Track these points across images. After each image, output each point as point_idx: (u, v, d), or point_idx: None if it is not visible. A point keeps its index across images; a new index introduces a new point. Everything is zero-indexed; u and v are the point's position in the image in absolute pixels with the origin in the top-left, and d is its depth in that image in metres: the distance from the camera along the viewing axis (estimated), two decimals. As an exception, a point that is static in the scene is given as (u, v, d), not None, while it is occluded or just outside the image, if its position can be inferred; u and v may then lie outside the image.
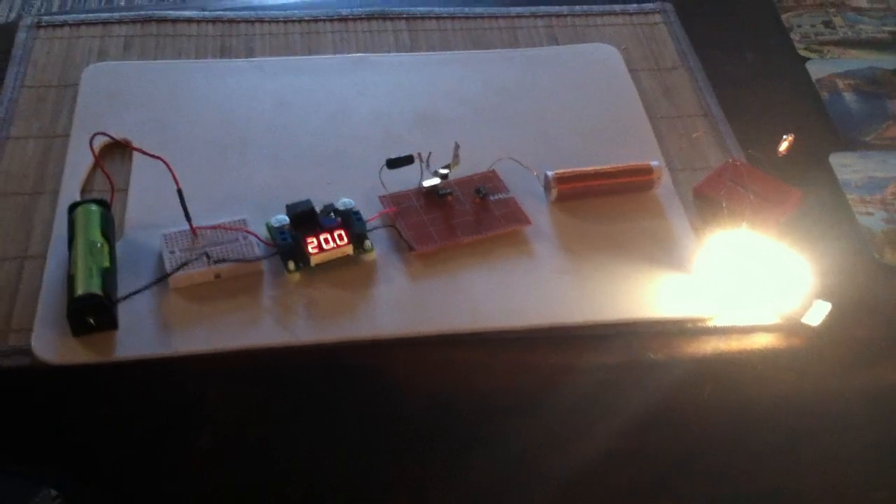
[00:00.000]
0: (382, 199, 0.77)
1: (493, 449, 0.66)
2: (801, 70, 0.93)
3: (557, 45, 0.94)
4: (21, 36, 0.90)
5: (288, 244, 0.72)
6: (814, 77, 0.92)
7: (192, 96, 0.86)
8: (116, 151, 0.80)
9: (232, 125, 0.83)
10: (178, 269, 0.69)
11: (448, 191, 0.77)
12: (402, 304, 0.71)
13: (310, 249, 0.71)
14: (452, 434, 0.66)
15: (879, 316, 0.72)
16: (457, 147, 0.76)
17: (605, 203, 0.78)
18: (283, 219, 0.73)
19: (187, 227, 0.72)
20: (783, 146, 0.76)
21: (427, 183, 0.77)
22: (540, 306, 0.71)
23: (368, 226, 0.74)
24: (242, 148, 0.81)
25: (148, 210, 0.76)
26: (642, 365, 0.69)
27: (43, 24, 0.91)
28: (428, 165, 0.76)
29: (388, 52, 0.92)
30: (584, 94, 0.88)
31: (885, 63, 0.94)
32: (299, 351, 0.67)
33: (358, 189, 0.77)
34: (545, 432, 0.66)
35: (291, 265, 0.71)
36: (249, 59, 0.90)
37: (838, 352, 0.70)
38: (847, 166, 0.83)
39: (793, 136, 0.76)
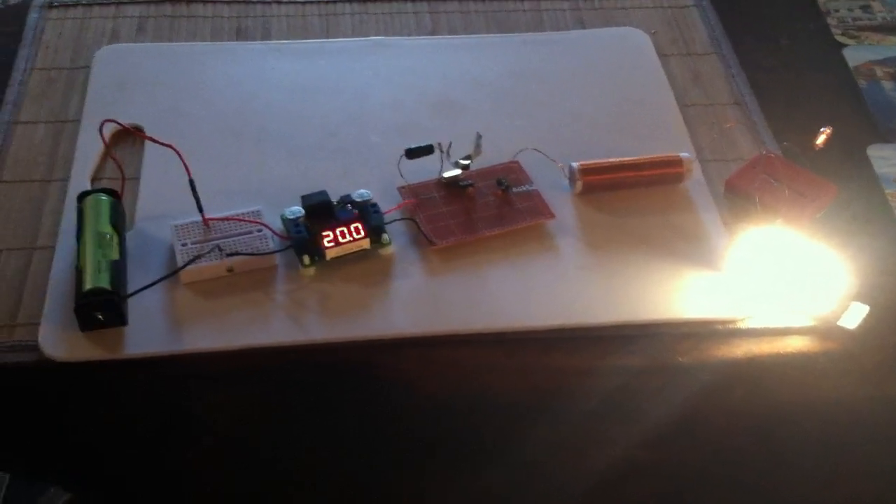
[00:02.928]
0: (401, 190, 0.74)
1: (505, 455, 0.63)
2: (837, 57, 0.89)
3: (584, 28, 0.90)
4: (32, 17, 0.88)
5: (303, 237, 0.69)
6: (851, 64, 0.88)
7: (206, 80, 0.83)
8: (128, 138, 0.78)
9: (247, 111, 0.81)
10: (189, 262, 0.67)
11: (469, 182, 0.74)
12: (419, 301, 0.68)
13: (325, 243, 0.68)
14: (462, 438, 0.64)
15: (920, 319, 0.68)
16: (479, 137, 0.73)
17: (632, 196, 0.75)
18: (297, 210, 0.70)
19: (199, 218, 0.69)
20: (820, 139, 0.73)
21: (447, 174, 0.74)
22: (562, 305, 0.68)
23: (386, 218, 0.71)
24: (257, 135, 0.79)
25: (160, 200, 0.73)
26: (669, 369, 0.66)
27: (55, 4, 0.89)
28: (448, 155, 0.73)
29: (409, 34, 0.89)
30: (612, 81, 0.85)
31: (927, 50, 0.90)
32: (311, 349, 0.65)
33: (375, 179, 0.75)
34: (562, 439, 0.64)
35: (307, 259, 0.68)
36: (266, 41, 0.88)
37: (876, 357, 0.67)
38: (885, 159, 0.80)
39: (830, 128, 0.72)
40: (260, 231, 0.69)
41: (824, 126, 0.72)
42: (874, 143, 0.81)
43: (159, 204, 0.73)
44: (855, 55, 0.89)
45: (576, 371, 0.67)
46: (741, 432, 0.65)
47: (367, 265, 0.70)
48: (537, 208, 0.73)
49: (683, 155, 0.75)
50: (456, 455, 0.64)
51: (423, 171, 0.75)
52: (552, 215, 0.73)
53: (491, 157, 0.76)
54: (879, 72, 0.87)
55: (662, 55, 0.88)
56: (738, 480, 0.63)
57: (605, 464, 0.64)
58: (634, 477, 0.64)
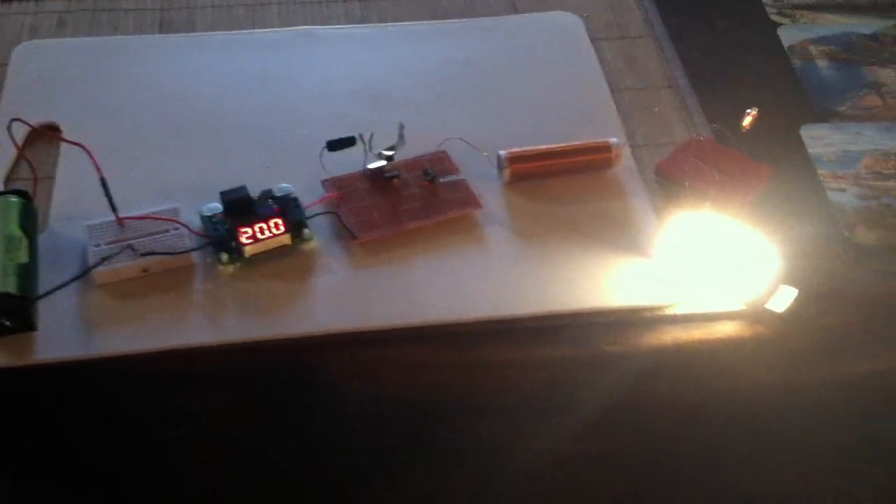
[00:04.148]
0: (325, 183, 0.72)
1: (437, 454, 0.62)
2: (772, 37, 0.88)
3: (517, 13, 0.89)
4: (-53, 13, 0.85)
5: (221, 235, 0.67)
6: (786, 44, 0.87)
7: (129, 75, 0.81)
8: (45, 137, 0.75)
9: (170, 105, 0.79)
10: (98, 263, 0.65)
11: (394, 174, 0.72)
12: (343, 297, 0.66)
13: (244, 240, 0.66)
14: (394, 439, 0.62)
15: (849, 301, 0.68)
16: (401, 127, 0.72)
17: (562, 184, 0.74)
18: (215, 207, 0.69)
19: (114, 217, 0.67)
20: (747, 120, 0.72)
21: (371, 165, 0.72)
22: (490, 297, 0.67)
23: (309, 213, 0.70)
24: (180, 130, 0.77)
25: (76, 199, 0.71)
26: (597, 358, 0.65)
27: (-29, 0, 0.86)
28: (371, 147, 0.72)
29: (338, 23, 0.87)
30: (544, 67, 0.83)
31: (862, 28, 0.89)
32: (231, 350, 0.63)
33: (301, 173, 0.73)
34: (493, 433, 0.62)
35: (224, 257, 0.67)
36: (190, 33, 0.85)
37: (806, 340, 0.66)
38: (819, 139, 0.79)
39: (757, 109, 0.71)
40: (177, 229, 0.68)
41: (751, 108, 0.71)
42: (808, 124, 0.80)
43: (75, 203, 0.71)
44: (790, 34, 0.88)
45: (506, 364, 0.65)
46: (670, 420, 0.64)
47: (289, 262, 0.68)
48: (465, 198, 0.72)
49: (612, 141, 0.74)
50: (388, 456, 0.62)
51: (349, 163, 0.73)
52: (480, 205, 0.72)
53: (420, 146, 0.74)
54: (814, 51, 0.86)
55: (596, 39, 0.86)
56: (668, 468, 0.61)
57: (536, 456, 0.63)
58: (565, 468, 0.62)
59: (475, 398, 0.64)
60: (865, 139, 0.79)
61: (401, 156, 0.73)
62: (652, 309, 0.67)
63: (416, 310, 0.66)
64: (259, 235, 0.67)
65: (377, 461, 0.62)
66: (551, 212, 0.72)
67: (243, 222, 0.67)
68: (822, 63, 0.85)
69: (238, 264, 0.67)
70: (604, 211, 0.72)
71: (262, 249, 0.67)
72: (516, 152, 0.73)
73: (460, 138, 0.74)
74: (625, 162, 0.75)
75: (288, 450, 0.62)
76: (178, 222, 0.68)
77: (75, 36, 0.85)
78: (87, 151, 0.66)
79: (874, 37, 0.88)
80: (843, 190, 0.75)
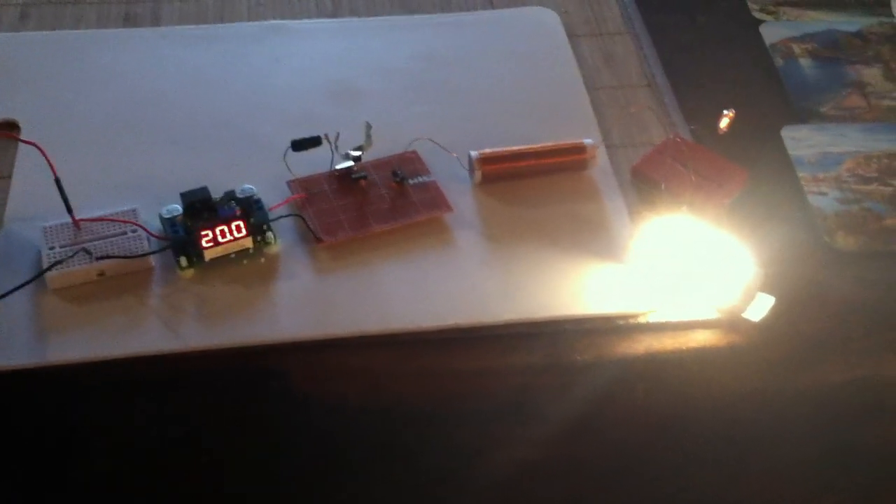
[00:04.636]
0: (291, 184, 0.70)
1: (404, 463, 0.60)
2: (755, 34, 0.86)
3: (493, 8, 0.86)
4: None
5: (180, 237, 0.65)
6: (767, 42, 0.85)
7: (92, 70, 0.79)
8: (1, 134, 0.73)
9: (134, 102, 0.76)
10: (51, 266, 0.62)
11: (362, 174, 0.70)
12: (306, 303, 0.64)
13: (204, 243, 0.64)
14: (360, 450, 0.60)
15: (828, 309, 0.66)
16: (368, 127, 0.70)
17: (535, 185, 0.72)
18: (175, 209, 0.66)
19: (70, 219, 0.65)
20: (723, 122, 0.70)
21: (339, 166, 0.70)
22: (459, 304, 0.65)
23: (273, 214, 0.68)
24: (143, 128, 0.74)
25: (33, 199, 0.69)
26: (568, 367, 0.63)
27: (-71, -9, 0.84)
28: (337, 147, 0.69)
29: (308, 17, 0.85)
30: (519, 64, 0.81)
31: (846, 25, 0.87)
32: (188, 357, 0.61)
33: (265, 173, 0.71)
34: (462, 443, 0.61)
35: (183, 261, 0.65)
36: (155, 27, 0.83)
37: (782, 350, 0.64)
38: (800, 140, 0.77)
39: (734, 111, 0.69)
40: (135, 231, 0.65)
41: (728, 109, 0.69)
42: (789, 124, 0.78)
43: (32, 204, 0.68)
44: (772, 32, 0.86)
45: (474, 373, 0.64)
46: (644, 430, 0.62)
47: (251, 266, 0.66)
48: (434, 201, 0.70)
49: (587, 141, 0.72)
50: (354, 467, 0.60)
51: (316, 163, 0.71)
52: (450, 208, 0.69)
53: (391, 146, 0.72)
54: (797, 49, 0.84)
55: (573, 35, 0.84)
56: (642, 480, 0.60)
57: (507, 466, 0.61)
58: (536, 479, 0.60)
59: (443, 407, 0.63)
60: (848, 141, 0.77)
61: (370, 156, 0.71)
62: (625, 317, 0.65)
63: (383, 317, 0.64)
64: (220, 238, 0.65)
65: (342, 472, 0.60)
66: (523, 214, 0.70)
67: (204, 224, 0.64)
68: (804, 61, 0.83)
69: (197, 268, 0.65)
70: (577, 214, 0.70)
71: (222, 253, 0.65)
72: (488, 153, 0.71)
73: (429, 139, 0.71)
74: (600, 163, 0.73)
75: (249, 462, 0.60)
76: (136, 224, 0.66)
77: (39, 29, 0.82)
78: (41, 150, 0.63)
79: (859, 34, 0.86)
80: (824, 193, 0.73)
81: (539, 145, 0.72)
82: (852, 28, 0.86)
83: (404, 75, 0.80)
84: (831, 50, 0.84)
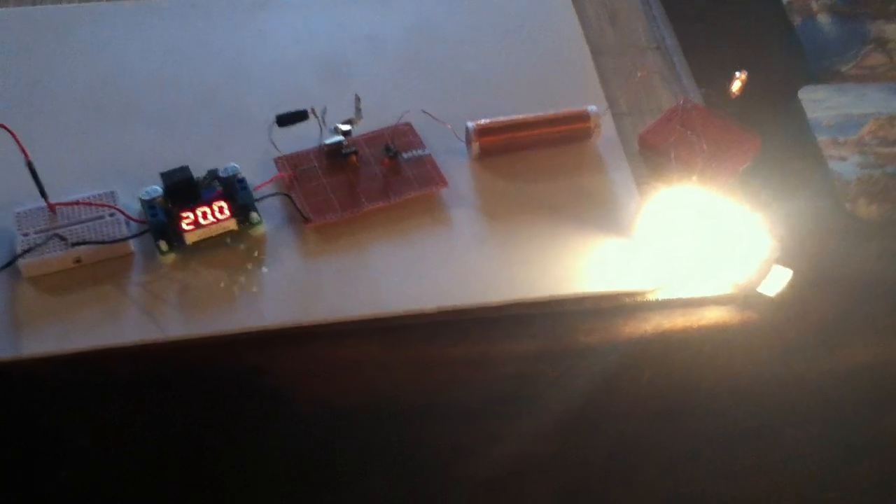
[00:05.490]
0: (277, 161, 0.67)
1: (394, 457, 0.57)
2: (770, -10, 0.81)
3: (491, -30, 0.82)
4: None
5: (160, 221, 0.62)
6: (784, -1, 0.80)
7: (71, 47, 0.75)
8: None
9: (114, 79, 0.73)
10: (24, 253, 0.59)
11: (352, 150, 0.67)
12: (294, 288, 0.61)
13: (185, 226, 0.61)
14: (344, 442, 0.57)
15: (850, 284, 0.62)
16: (358, 100, 0.66)
17: (536, 158, 0.68)
18: (155, 190, 0.63)
19: (44, 203, 0.62)
20: (735, 85, 0.66)
21: (328, 141, 0.67)
22: (455, 286, 0.61)
23: (259, 194, 0.64)
24: (123, 106, 0.71)
25: (6, 184, 0.65)
26: (571, 351, 0.59)
27: None
28: (324, 122, 0.66)
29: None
30: (518, 28, 0.77)
31: (868, -21, 0.82)
32: (169, 348, 0.58)
33: (250, 151, 0.67)
34: (456, 436, 0.57)
35: (164, 245, 0.61)
36: (139, 1, 0.79)
37: (800, 328, 0.60)
38: (819, 102, 0.72)
39: (745, 73, 0.65)
40: (112, 215, 0.62)
41: (740, 70, 0.64)
42: (807, 86, 0.73)
43: (6, 189, 0.65)
44: (788, -12, 0.81)
45: (473, 359, 0.60)
46: (651, 418, 0.58)
47: (235, 249, 0.63)
48: (429, 176, 0.66)
49: (591, 109, 0.68)
50: (343, 462, 0.57)
51: (304, 139, 0.67)
52: (445, 183, 0.66)
53: (383, 119, 0.69)
54: (815, 5, 0.79)
55: (576, -4, 0.80)
56: (647, 473, 0.56)
57: (504, 460, 0.57)
58: (535, 473, 0.57)
59: (438, 397, 0.59)
60: (869, 101, 0.72)
61: (360, 130, 0.68)
62: (632, 295, 0.61)
63: (375, 300, 0.61)
64: (202, 221, 0.61)
65: (330, 468, 0.57)
66: (524, 189, 0.67)
67: (185, 206, 0.61)
68: (823, 19, 0.78)
69: (179, 253, 0.62)
70: (581, 187, 0.67)
71: (205, 236, 0.62)
72: (486, 124, 0.67)
73: (423, 110, 0.67)
74: (605, 132, 0.69)
75: (234, 456, 0.57)
76: (114, 208, 0.62)
77: (17, 6, 0.78)
78: (11, 133, 0.60)
79: (881, -12, 0.81)
80: (844, 158, 0.68)
81: (540, 114, 0.68)
82: (874, -19, 0.81)
83: (396, 45, 0.76)
84: (851, 6, 0.79)
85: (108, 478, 0.55)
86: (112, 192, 0.63)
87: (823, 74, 0.74)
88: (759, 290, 0.60)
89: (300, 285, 0.61)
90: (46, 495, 0.55)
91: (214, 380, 0.59)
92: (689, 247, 0.62)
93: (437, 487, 0.57)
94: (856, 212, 0.65)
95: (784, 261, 0.60)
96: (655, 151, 0.67)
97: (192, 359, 0.59)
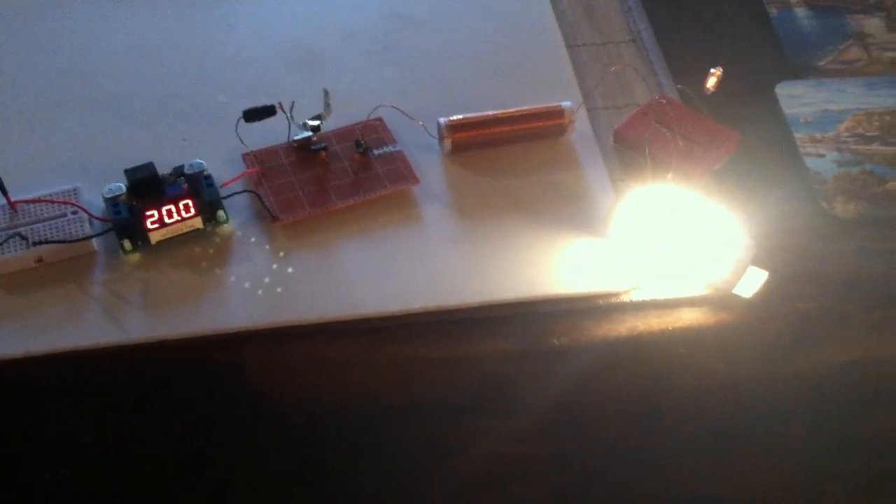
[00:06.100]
0: (245, 157, 0.65)
1: (369, 461, 0.56)
2: (747, -18, 0.80)
3: (465, -40, 0.80)
4: None
5: (124, 219, 0.60)
6: (761, -9, 0.79)
7: (33, 39, 0.74)
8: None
9: (77, 72, 0.71)
10: (-23, 256, 0.58)
11: (322, 145, 0.65)
12: (262, 288, 0.60)
13: (149, 224, 0.59)
14: (320, 446, 0.55)
15: (827, 283, 0.61)
16: (326, 94, 0.64)
17: (509, 154, 0.67)
18: (118, 188, 0.61)
19: (4, 201, 0.60)
20: (711, 81, 0.65)
21: (298, 137, 0.65)
22: (428, 286, 0.60)
23: (225, 191, 0.63)
24: (85, 100, 0.70)
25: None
26: (545, 352, 0.58)
27: None
28: (292, 117, 0.64)
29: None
30: (490, 20, 0.76)
31: (846, -29, 0.81)
32: (134, 350, 0.57)
33: (218, 147, 0.66)
34: (432, 437, 0.56)
35: (128, 244, 0.60)
36: (101, -10, 0.77)
37: (776, 329, 0.59)
38: (796, 98, 0.71)
39: (721, 69, 0.64)
40: (75, 213, 0.61)
41: (715, 67, 0.63)
42: (784, 81, 0.72)
43: (-34, 185, 0.63)
44: (766, -20, 0.80)
45: (445, 361, 0.59)
46: (626, 419, 0.57)
47: (201, 248, 0.61)
48: (401, 172, 0.65)
49: (566, 104, 0.67)
50: (312, 467, 0.56)
51: (272, 134, 0.66)
52: (417, 180, 0.64)
53: (353, 114, 0.67)
54: (793, -3, 0.78)
55: (551, -12, 0.78)
56: (624, 474, 0.55)
57: (480, 462, 0.56)
58: (512, 474, 0.56)
59: (411, 399, 0.58)
60: (848, 97, 0.71)
61: (330, 125, 0.66)
62: (607, 295, 0.60)
63: (346, 302, 0.59)
64: (167, 219, 0.60)
65: (300, 472, 0.55)
66: (497, 186, 0.65)
67: (149, 204, 0.60)
68: (800, 12, 0.77)
69: (143, 252, 0.60)
70: (556, 184, 0.65)
71: (169, 235, 0.60)
72: (458, 119, 0.66)
73: (395, 106, 0.66)
74: (580, 128, 0.68)
75: (201, 462, 0.55)
76: (76, 205, 0.61)
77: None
78: (-32, 129, 0.58)
79: (859, -19, 0.80)
80: (822, 155, 0.67)
81: (514, 110, 0.67)
82: (852, -26, 0.80)
83: (367, 38, 0.74)
84: (829, -2, 0.79)
85: (68, 473, 0.54)
86: (75, 189, 0.62)
87: (801, 69, 0.73)
88: (735, 291, 0.59)
89: (269, 285, 0.60)
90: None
91: (180, 381, 0.57)
92: (664, 246, 0.61)
93: (416, 489, 0.56)
94: (833, 210, 0.64)
95: (760, 260, 0.59)
96: (630, 147, 0.66)
97: (158, 360, 0.57)
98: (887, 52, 0.74)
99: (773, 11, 0.78)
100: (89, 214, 0.61)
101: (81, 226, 0.60)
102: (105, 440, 0.55)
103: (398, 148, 0.66)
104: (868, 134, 0.69)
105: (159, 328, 0.57)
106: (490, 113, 0.66)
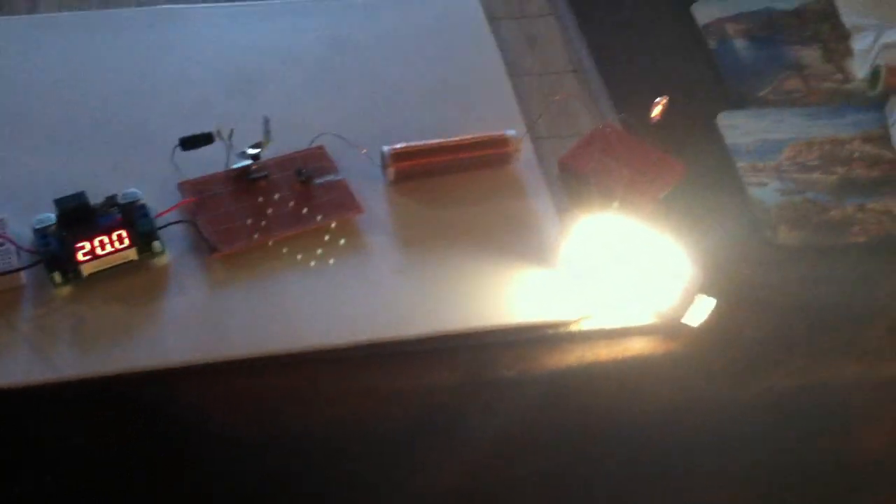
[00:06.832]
0: (182, 186, 0.63)
1: (313, 497, 0.54)
2: (686, 14, 0.80)
3: (406, -11, 0.80)
4: None
5: (53, 250, 0.58)
6: (700, 22, 0.80)
7: (-45, 63, 0.70)
8: None
9: (3, 97, 0.68)
10: None
11: (262, 174, 0.63)
12: (199, 321, 0.58)
13: (80, 256, 0.57)
14: (257, 483, 0.53)
15: (772, 311, 0.61)
16: (266, 121, 0.63)
17: (454, 183, 0.66)
18: (48, 218, 0.59)
19: (-75, 233, 0.57)
20: (656, 110, 0.65)
21: (236, 165, 0.63)
22: (371, 318, 0.59)
23: (161, 221, 0.61)
24: (13, 126, 0.67)
25: None
26: (493, 384, 0.57)
27: None
28: (232, 144, 0.62)
29: (204, 1, 0.77)
30: (435, 50, 0.75)
31: (783, 3, 0.82)
32: (63, 387, 0.54)
33: (154, 175, 0.64)
34: (374, 472, 0.54)
35: (58, 277, 0.57)
36: (32, 14, 0.75)
37: (724, 357, 0.59)
38: (737, 128, 0.72)
39: (666, 98, 0.64)
40: (2, 245, 0.58)
41: (661, 96, 0.63)
42: (725, 111, 0.73)
43: None
44: (705, 11, 0.80)
45: (388, 394, 0.58)
46: (576, 449, 0.56)
47: (135, 280, 0.59)
48: (343, 201, 0.63)
49: (510, 133, 0.66)
50: (246, 496, 0.54)
51: (210, 162, 0.64)
52: (360, 210, 0.63)
53: (294, 142, 0.66)
54: (731, 29, 0.79)
55: (493, 19, 0.78)
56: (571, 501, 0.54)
57: (429, 495, 0.55)
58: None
59: (353, 433, 0.56)
60: (787, 126, 0.72)
61: (270, 153, 0.64)
62: (555, 325, 0.60)
63: (286, 335, 0.58)
64: (99, 251, 0.57)
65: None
66: (442, 215, 0.64)
67: (81, 235, 0.57)
68: (739, 43, 0.78)
69: (75, 285, 0.58)
70: (501, 213, 0.65)
71: (103, 267, 0.58)
72: (401, 148, 0.65)
73: (336, 134, 0.65)
74: (524, 156, 0.67)
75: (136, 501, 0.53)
76: (3, 237, 0.59)
77: None
78: None
79: (797, 13, 0.81)
80: (764, 184, 0.68)
81: (458, 138, 0.66)
82: (789, 6, 0.81)
83: (309, 63, 0.73)
84: (767, 30, 0.79)
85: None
86: (1, 220, 0.59)
87: (741, 99, 0.74)
88: (684, 320, 0.59)
89: (206, 319, 0.58)
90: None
91: (111, 419, 0.55)
92: (612, 276, 0.60)
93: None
94: (776, 239, 0.65)
95: (707, 288, 0.59)
96: (576, 177, 0.66)
97: (88, 397, 0.55)
98: (824, 82, 0.75)
99: (712, 42, 0.78)
100: (17, 246, 0.58)
101: (8, 258, 0.57)
102: (40, 484, 0.52)
103: (340, 177, 0.64)
104: (809, 163, 0.69)
105: (91, 365, 0.55)
106: (434, 141, 0.65)
